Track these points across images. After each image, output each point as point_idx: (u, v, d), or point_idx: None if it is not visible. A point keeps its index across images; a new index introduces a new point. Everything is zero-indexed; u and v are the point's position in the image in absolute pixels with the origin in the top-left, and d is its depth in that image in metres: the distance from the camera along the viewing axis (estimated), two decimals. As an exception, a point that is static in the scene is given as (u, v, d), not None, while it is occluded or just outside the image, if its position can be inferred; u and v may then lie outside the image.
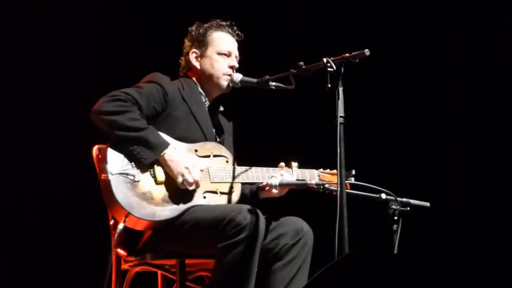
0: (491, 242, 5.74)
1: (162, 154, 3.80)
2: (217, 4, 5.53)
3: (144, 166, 3.79)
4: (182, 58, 4.20)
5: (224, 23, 4.16)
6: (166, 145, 3.82)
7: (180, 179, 3.80)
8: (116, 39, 5.62)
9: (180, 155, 3.83)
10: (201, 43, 4.12)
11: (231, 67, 4.11)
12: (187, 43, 4.18)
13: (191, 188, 3.83)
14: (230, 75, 4.09)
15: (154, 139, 3.80)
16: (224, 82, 4.10)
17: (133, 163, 3.78)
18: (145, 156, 3.78)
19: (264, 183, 4.04)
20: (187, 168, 3.81)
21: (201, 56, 4.12)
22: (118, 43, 5.62)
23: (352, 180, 3.94)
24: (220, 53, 4.11)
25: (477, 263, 5.72)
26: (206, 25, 4.15)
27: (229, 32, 4.15)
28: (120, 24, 5.64)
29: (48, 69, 5.40)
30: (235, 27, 4.18)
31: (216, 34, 4.13)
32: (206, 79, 4.11)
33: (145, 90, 3.88)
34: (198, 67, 4.12)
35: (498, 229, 5.75)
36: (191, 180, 3.81)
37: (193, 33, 4.16)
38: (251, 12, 5.85)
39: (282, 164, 4.09)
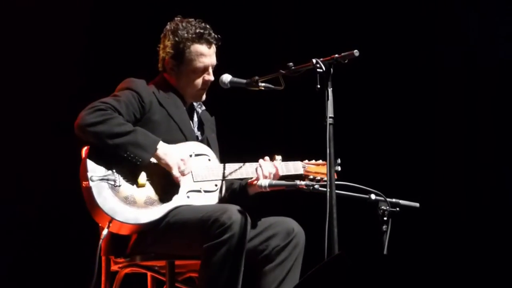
0: (481, 242, 5.75)
1: (155, 151, 3.80)
2: (204, 3, 5.50)
3: (143, 167, 3.79)
4: (160, 52, 4.05)
5: (202, 31, 3.98)
6: (157, 141, 3.81)
7: (175, 171, 3.80)
8: (97, 39, 5.59)
9: (173, 148, 3.85)
10: (178, 56, 3.98)
11: (206, 81, 4.04)
12: (166, 42, 4.02)
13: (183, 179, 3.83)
14: (204, 89, 4.05)
15: (143, 139, 3.79)
16: (198, 98, 4.08)
17: (113, 168, 3.76)
18: (141, 158, 3.77)
19: (253, 179, 4.00)
20: (182, 159, 3.83)
21: (178, 68, 4.01)
22: (99, 43, 5.59)
23: (339, 168, 3.88)
24: (196, 71, 4.02)
25: (466, 263, 5.74)
26: (184, 34, 3.97)
27: (207, 42, 3.99)
28: (101, 25, 5.60)
29: (40, 70, 5.37)
30: (212, 33, 4.02)
31: (193, 48, 3.97)
32: (182, 88, 4.05)
33: (122, 98, 3.86)
34: (174, 77, 4.04)
35: (488, 229, 5.76)
36: (187, 171, 3.84)
37: (170, 37, 3.99)
38: (240, 12, 5.85)
39: (267, 158, 4.06)
